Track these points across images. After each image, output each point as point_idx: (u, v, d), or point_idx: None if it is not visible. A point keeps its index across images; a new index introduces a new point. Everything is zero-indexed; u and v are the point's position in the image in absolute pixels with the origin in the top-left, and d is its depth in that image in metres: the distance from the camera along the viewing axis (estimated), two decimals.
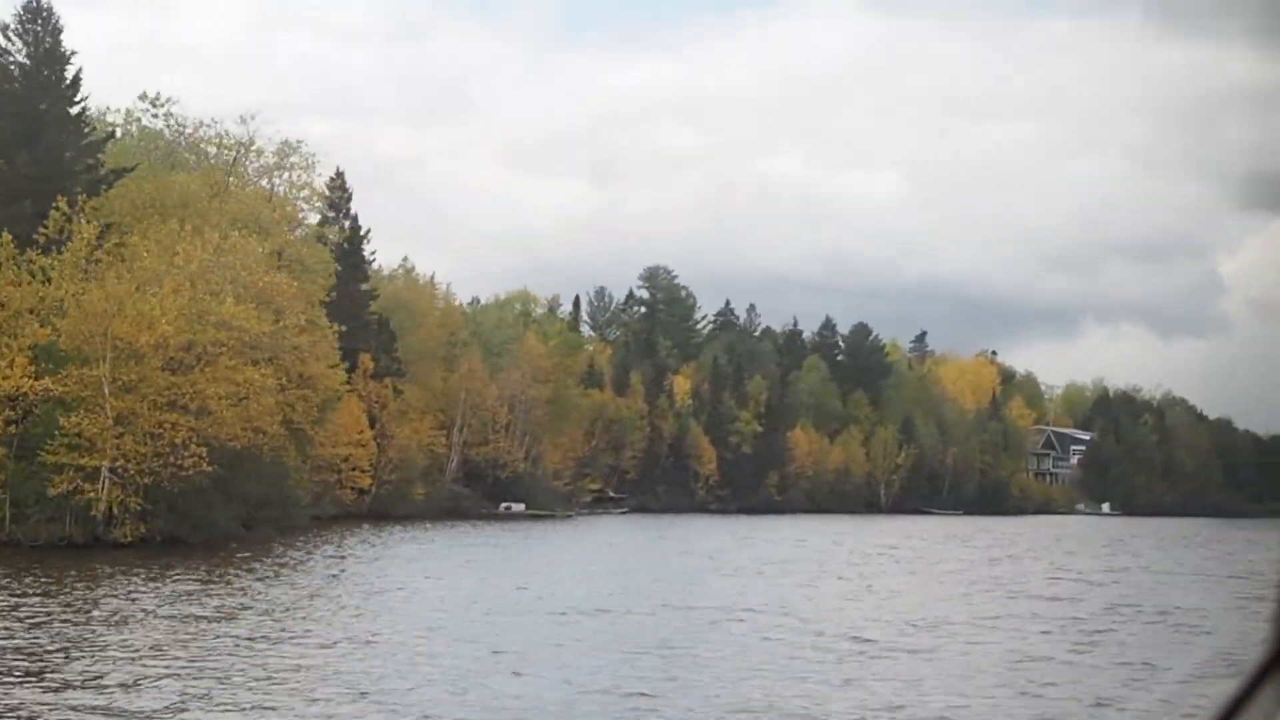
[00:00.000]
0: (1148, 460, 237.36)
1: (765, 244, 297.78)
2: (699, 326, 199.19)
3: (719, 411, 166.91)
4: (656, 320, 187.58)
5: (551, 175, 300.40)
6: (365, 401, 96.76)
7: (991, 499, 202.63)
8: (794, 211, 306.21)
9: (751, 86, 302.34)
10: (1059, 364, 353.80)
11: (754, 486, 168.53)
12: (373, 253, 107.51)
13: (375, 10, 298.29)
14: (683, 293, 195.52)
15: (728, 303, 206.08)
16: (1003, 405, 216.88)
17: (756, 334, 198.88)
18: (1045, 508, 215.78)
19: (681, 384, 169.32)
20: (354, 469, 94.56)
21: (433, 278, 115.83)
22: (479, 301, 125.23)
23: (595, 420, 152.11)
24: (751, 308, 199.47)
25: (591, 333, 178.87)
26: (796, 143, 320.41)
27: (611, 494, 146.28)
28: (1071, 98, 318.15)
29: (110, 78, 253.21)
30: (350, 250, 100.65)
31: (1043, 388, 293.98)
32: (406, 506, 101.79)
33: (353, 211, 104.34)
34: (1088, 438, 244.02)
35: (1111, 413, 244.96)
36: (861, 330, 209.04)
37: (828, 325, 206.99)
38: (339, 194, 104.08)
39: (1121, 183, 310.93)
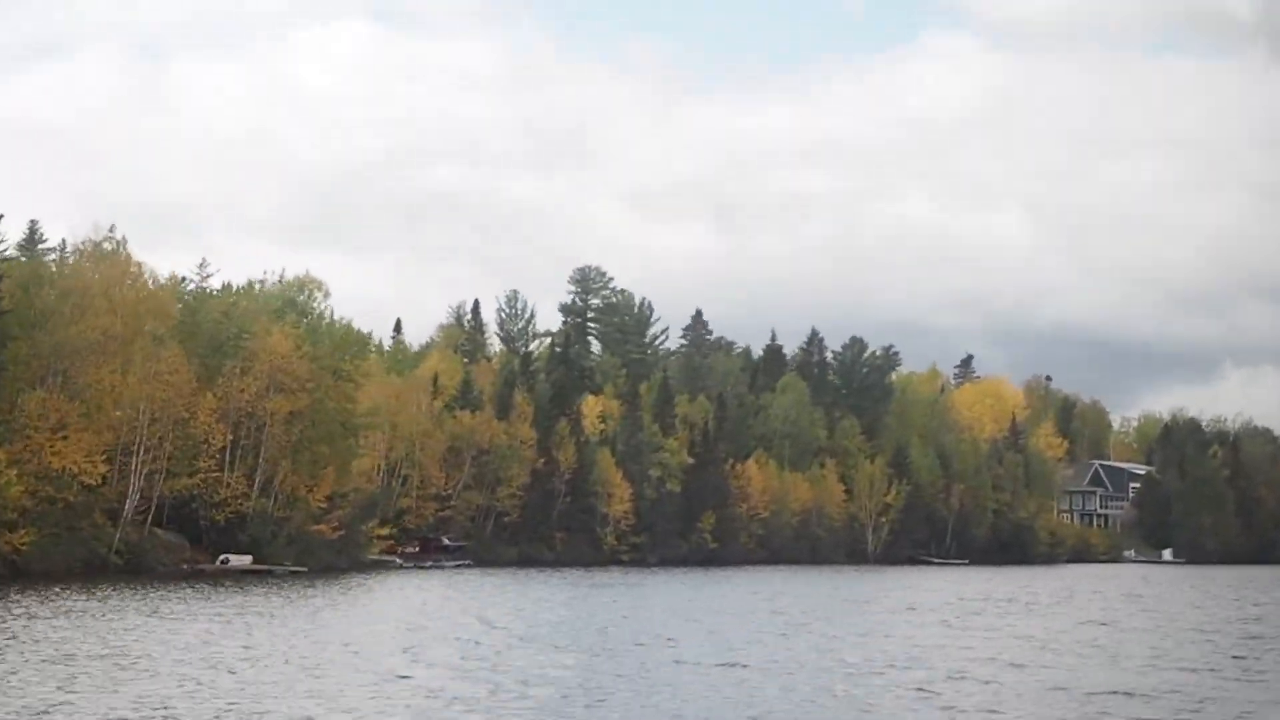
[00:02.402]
0: (1216, 498, 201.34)
1: (894, 288, 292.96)
2: (656, 342, 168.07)
3: (636, 440, 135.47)
4: (587, 332, 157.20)
5: (676, 220, 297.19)
6: None
7: (1009, 545, 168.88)
8: (922, 255, 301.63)
9: (875, 129, 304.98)
10: (1200, 409, 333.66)
11: (682, 533, 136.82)
12: None
13: (496, 57, 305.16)
14: (633, 301, 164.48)
15: (699, 313, 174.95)
16: (1026, 433, 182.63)
17: (713, 350, 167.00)
18: (1083, 554, 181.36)
19: (595, 406, 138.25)
20: None
21: (125, 247, 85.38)
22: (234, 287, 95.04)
23: (458, 449, 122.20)
24: (701, 322, 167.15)
25: (501, 345, 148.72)
26: (922, 186, 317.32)
27: (446, 541, 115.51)
28: (1198, 136, 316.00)
29: (231, 127, 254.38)
30: None
31: (1114, 419, 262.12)
32: (36, 561, 72.37)
33: None
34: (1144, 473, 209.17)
35: (1175, 444, 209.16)
36: (855, 346, 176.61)
37: (814, 340, 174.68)
38: None
39: (1251, 220, 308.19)
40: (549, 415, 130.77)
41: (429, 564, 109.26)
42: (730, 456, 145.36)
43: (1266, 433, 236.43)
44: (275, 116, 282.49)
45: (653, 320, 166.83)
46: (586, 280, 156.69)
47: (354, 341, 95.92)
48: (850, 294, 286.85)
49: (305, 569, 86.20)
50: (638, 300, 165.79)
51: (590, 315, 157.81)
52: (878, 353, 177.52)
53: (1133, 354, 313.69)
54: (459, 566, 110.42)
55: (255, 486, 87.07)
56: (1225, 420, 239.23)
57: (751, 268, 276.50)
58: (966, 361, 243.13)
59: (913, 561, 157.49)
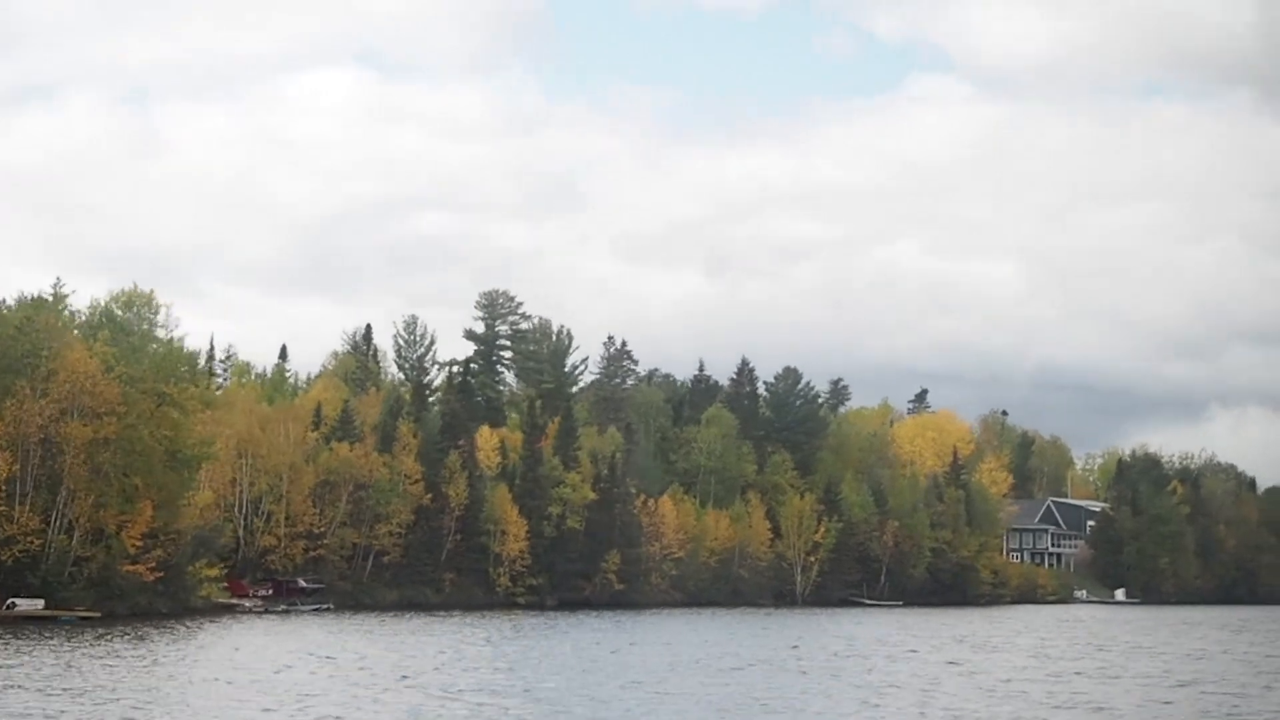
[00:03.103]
0: (1174, 536, 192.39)
1: (884, 332, 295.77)
2: (575, 372, 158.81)
3: (535, 475, 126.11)
4: (497, 361, 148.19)
5: (667, 266, 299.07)
6: None
7: (949, 586, 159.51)
8: (913, 300, 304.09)
9: (866, 175, 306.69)
10: (1160, 446, 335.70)
11: (585, 573, 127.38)
12: None
13: (485, 104, 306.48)
14: (549, 328, 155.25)
15: (622, 343, 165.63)
16: (970, 469, 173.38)
17: (633, 379, 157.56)
18: (1029, 595, 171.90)
19: (491, 439, 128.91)
20: None
21: None
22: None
23: (333, 484, 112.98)
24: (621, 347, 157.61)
25: (398, 373, 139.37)
26: (914, 231, 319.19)
27: (303, 583, 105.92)
28: (1187, 181, 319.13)
29: (219, 172, 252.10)
30: None
31: (1078, 456, 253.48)
32: None
33: None
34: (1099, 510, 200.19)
35: (1130, 480, 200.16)
36: (788, 378, 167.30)
37: (744, 371, 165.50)
38: None
39: (1241, 266, 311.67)
40: (440, 448, 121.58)
41: (282, 608, 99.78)
42: (645, 492, 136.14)
43: (1230, 469, 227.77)
44: (264, 162, 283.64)
45: (571, 349, 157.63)
46: (494, 305, 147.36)
47: (178, 363, 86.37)
48: (841, 338, 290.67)
49: (99, 615, 76.63)
50: (555, 328, 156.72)
51: (498, 343, 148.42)
52: (813, 385, 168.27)
53: (1121, 397, 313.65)
54: (316, 610, 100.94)
55: (53, 522, 77.61)
56: (1192, 457, 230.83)
57: (743, 313, 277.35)
58: (921, 396, 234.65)
59: (844, 603, 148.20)
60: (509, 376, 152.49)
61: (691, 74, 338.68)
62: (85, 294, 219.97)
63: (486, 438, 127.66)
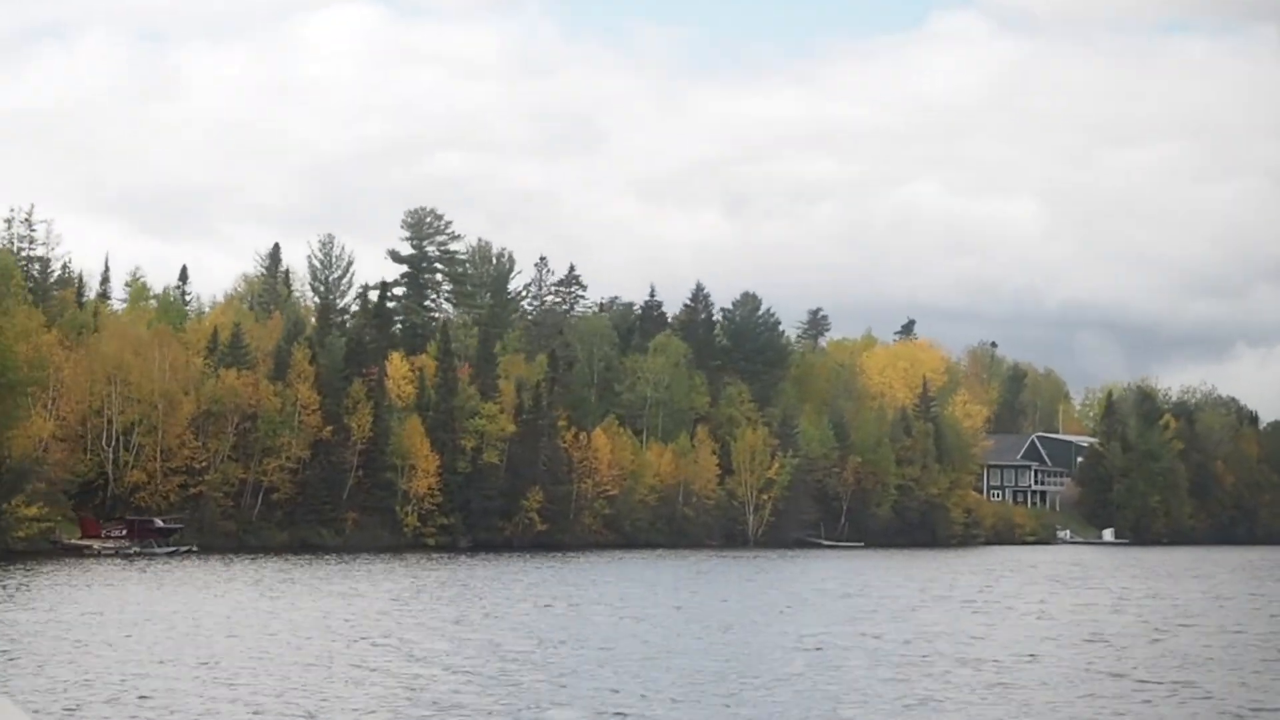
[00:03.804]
0: (1165, 473, 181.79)
1: (905, 272, 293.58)
2: (521, 298, 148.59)
3: (449, 405, 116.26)
4: (425, 285, 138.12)
5: (685, 207, 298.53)
6: None
7: (917, 526, 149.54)
8: (933, 240, 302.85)
9: (886, 114, 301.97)
10: (1186, 385, 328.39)
11: (505, 512, 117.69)
12: None
13: (501, 44, 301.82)
14: (490, 250, 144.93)
15: (570, 268, 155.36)
16: (943, 401, 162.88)
17: (583, 306, 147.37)
18: (1005, 536, 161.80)
19: (401, 367, 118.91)
20: None
21: None
22: None
23: (219, 415, 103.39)
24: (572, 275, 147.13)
25: (314, 298, 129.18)
26: (934, 171, 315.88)
27: (160, 522, 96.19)
28: (1210, 119, 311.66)
29: (234, 113, 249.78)
30: None
31: (1076, 391, 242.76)
32: None
33: None
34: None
35: (1119, 414, 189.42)
36: (746, 303, 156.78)
37: (698, 296, 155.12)
38: None
39: (1265, 204, 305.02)
40: (345, 377, 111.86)
41: (134, 550, 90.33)
42: (578, 425, 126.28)
43: (1231, 403, 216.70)
44: (279, 103, 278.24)
45: (514, 273, 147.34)
46: (420, 225, 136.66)
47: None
48: (861, 278, 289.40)
49: None
50: (495, 250, 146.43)
51: (426, 265, 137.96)
52: (773, 311, 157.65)
53: (1145, 335, 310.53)
54: (174, 553, 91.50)
55: None
56: (1192, 390, 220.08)
57: (760, 254, 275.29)
58: (908, 327, 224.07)
59: (800, 545, 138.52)
60: (444, 303, 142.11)
61: (709, 12, 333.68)
62: (99, 236, 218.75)
63: (398, 366, 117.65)
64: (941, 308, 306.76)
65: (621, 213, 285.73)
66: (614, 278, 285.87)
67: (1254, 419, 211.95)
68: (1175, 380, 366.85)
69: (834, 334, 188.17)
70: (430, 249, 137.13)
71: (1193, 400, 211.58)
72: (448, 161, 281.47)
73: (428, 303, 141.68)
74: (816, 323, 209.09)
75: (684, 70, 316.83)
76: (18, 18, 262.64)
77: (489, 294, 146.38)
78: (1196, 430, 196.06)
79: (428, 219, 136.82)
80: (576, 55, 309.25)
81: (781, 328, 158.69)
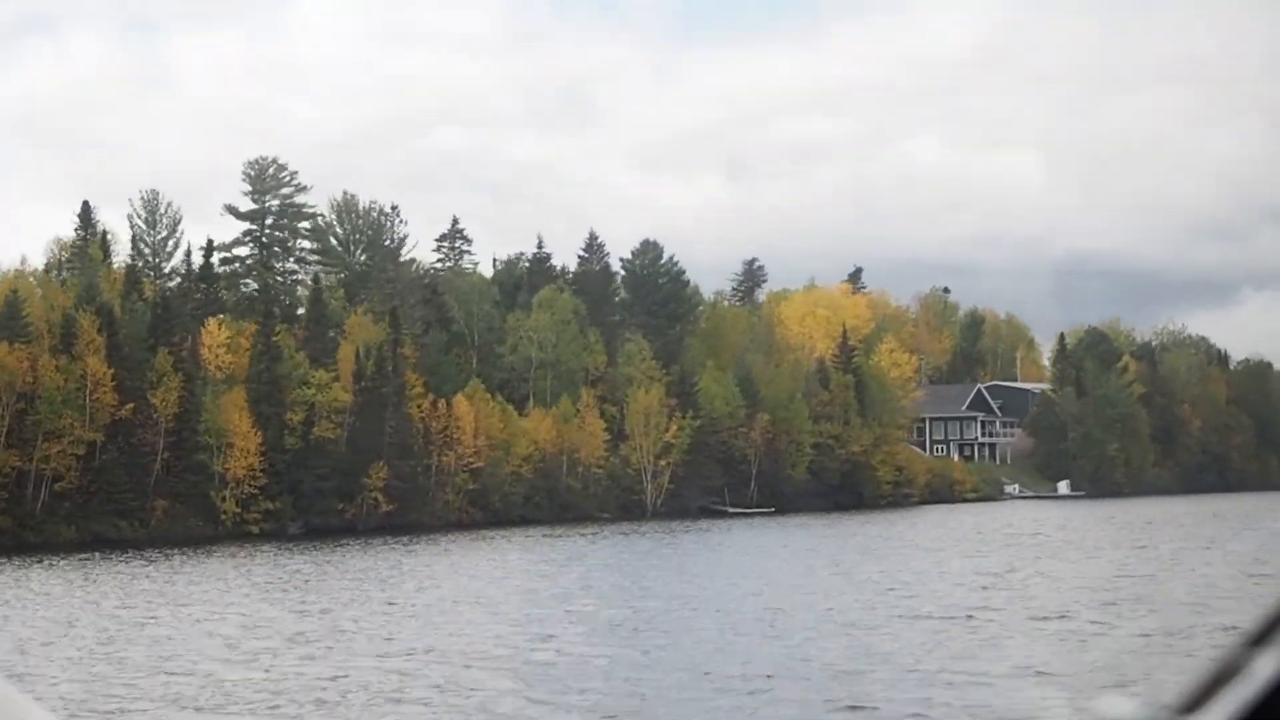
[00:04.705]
0: (1124, 419, 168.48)
1: (908, 229, 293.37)
2: (400, 258, 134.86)
3: (273, 375, 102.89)
4: (269, 241, 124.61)
5: (685, 174, 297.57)
6: None
7: (838, 488, 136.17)
8: (935, 196, 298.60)
9: (883, 72, 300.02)
10: (1217, 335, 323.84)
11: (345, 493, 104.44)
12: None
13: (491, 18, 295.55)
14: (356, 203, 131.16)
15: (453, 220, 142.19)
16: (868, 352, 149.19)
17: (461, 257, 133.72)
18: (944, 494, 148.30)
19: (219, 335, 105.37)
20: None
21: None
22: None
23: None
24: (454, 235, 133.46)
25: (136, 261, 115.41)
26: (933, 127, 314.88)
27: None
28: (1206, 64, 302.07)
29: (228, 97, 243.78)
30: None
31: (1042, 338, 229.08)
32: None
33: None
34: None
35: (1074, 359, 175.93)
36: (647, 252, 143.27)
37: (592, 245, 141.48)
38: None
39: (1268, 147, 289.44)
40: (150, 348, 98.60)
41: None
42: (436, 392, 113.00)
43: (1200, 342, 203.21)
44: (273, 86, 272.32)
45: (391, 228, 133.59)
46: (262, 177, 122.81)
47: None
48: (865, 236, 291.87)
49: None
50: (364, 204, 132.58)
51: (270, 222, 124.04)
52: (677, 260, 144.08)
53: (1151, 281, 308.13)
54: None
55: None
56: (1163, 330, 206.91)
57: (763, 218, 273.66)
58: (856, 275, 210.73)
59: (705, 513, 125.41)
60: (294, 264, 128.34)
61: None
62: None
63: (215, 333, 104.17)
64: (946, 263, 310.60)
65: (622, 183, 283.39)
66: (616, 249, 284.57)
67: (1222, 358, 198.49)
68: (1179, 326, 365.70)
69: (740, 276, 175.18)
70: (273, 203, 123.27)
71: (1157, 342, 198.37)
72: (445, 138, 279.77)
73: (288, 264, 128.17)
74: (752, 274, 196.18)
75: (677, 36, 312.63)
76: (4, 10, 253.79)
77: (362, 252, 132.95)
78: (1160, 373, 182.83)
79: (270, 170, 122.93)
80: (568, 26, 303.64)
81: (687, 277, 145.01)
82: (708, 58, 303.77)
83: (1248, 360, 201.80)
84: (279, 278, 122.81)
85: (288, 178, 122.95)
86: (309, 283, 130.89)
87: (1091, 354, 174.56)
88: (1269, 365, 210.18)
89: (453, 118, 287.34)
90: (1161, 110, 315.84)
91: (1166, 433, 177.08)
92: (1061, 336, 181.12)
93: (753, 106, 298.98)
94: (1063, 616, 43.20)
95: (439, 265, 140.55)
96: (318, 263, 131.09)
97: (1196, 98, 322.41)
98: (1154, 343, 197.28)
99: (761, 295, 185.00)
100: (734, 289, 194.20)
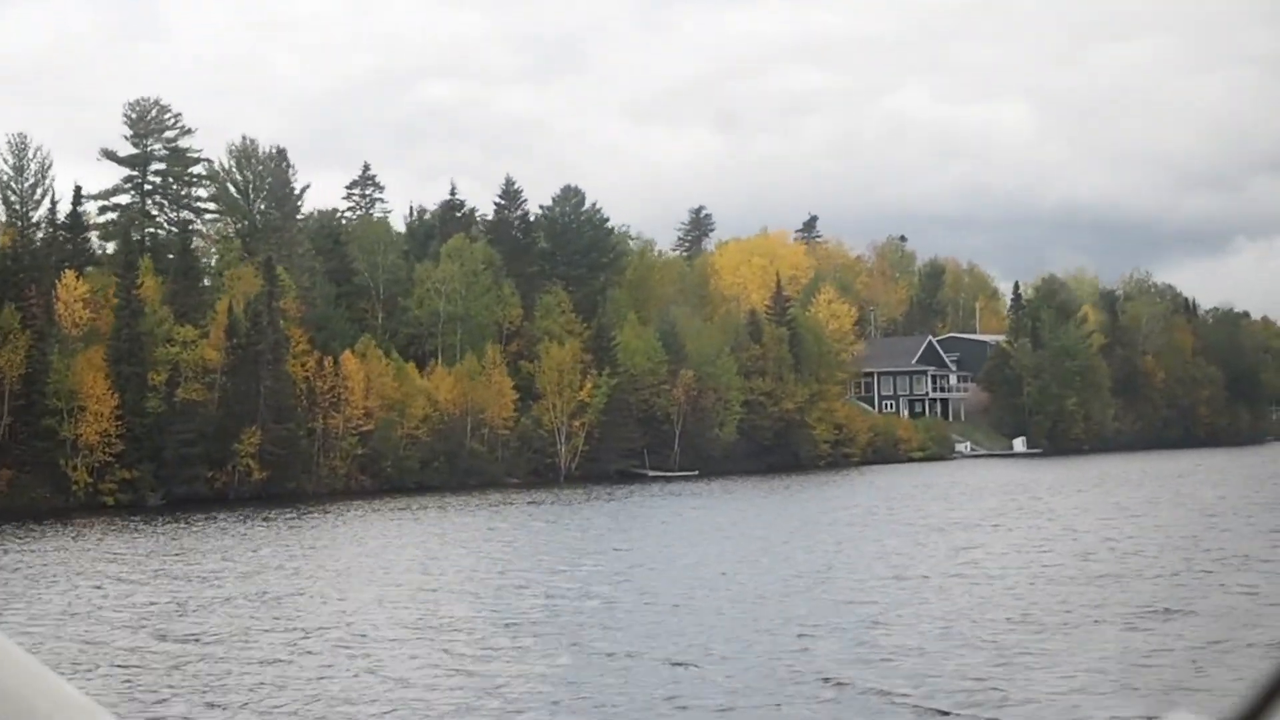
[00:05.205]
0: (1084, 371, 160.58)
1: (898, 181, 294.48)
2: (296, 206, 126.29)
3: (133, 332, 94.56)
4: (153, 189, 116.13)
5: (675, 126, 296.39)
6: None
7: (770, 448, 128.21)
8: (926, 147, 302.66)
9: (873, 23, 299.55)
10: (1211, 286, 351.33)
11: (214, 459, 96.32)
12: None
13: None
14: (255, 148, 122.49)
15: (365, 166, 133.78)
16: (806, 303, 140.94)
17: (372, 205, 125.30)
18: (888, 453, 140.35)
19: (78, 288, 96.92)
20: None
21: None
22: None
23: None
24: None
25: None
26: (923, 78, 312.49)
27: None
28: (1197, 10, 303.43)
29: (219, 51, 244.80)
30: None
31: (1006, 288, 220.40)
32: None
33: None
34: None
35: (1030, 308, 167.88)
36: (568, 198, 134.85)
37: (509, 192, 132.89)
38: None
39: (1257, 95, 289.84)
40: None
41: None
42: (323, 350, 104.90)
43: (1167, 290, 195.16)
44: (264, 39, 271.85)
45: (293, 175, 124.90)
46: (144, 120, 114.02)
47: None
48: (856, 188, 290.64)
49: None
50: (265, 149, 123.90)
51: (153, 167, 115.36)
52: (599, 206, 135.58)
53: (1140, 232, 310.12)
54: None
55: None
56: (1128, 279, 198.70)
57: (754, 169, 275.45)
58: (810, 224, 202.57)
59: (624, 477, 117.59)
60: (185, 212, 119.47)
61: None
62: (88, 183, 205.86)
63: (73, 287, 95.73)
64: (937, 215, 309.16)
65: (612, 136, 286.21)
66: (608, 201, 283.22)
67: (1190, 306, 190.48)
68: (1173, 277, 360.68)
69: (686, 225, 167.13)
70: (157, 148, 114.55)
71: (1122, 290, 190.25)
72: (434, 91, 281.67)
73: (182, 214, 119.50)
74: (699, 223, 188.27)
75: None
76: None
77: (262, 202, 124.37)
78: (1121, 322, 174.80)
79: (152, 111, 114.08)
80: None
81: (611, 224, 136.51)
82: (695, 8, 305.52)
83: (1216, 308, 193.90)
84: (173, 228, 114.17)
85: (172, 120, 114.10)
86: (209, 235, 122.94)
87: (1049, 303, 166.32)
88: (1242, 314, 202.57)
89: (440, 71, 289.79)
90: (1150, 58, 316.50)
91: (1129, 385, 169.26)
92: (1016, 285, 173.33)
93: (742, 57, 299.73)
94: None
95: (349, 214, 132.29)
96: (214, 213, 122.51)
97: (1185, 45, 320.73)
98: (1118, 291, 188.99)
99: (712, 246, 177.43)
100: (680, 238, 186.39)
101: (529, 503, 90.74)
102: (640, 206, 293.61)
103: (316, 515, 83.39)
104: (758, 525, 69.12)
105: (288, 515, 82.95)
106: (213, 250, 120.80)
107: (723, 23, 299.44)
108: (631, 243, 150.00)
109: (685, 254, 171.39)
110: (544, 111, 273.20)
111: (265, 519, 79.99)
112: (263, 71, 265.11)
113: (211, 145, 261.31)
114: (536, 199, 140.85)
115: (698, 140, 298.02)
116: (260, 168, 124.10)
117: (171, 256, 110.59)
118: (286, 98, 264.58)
